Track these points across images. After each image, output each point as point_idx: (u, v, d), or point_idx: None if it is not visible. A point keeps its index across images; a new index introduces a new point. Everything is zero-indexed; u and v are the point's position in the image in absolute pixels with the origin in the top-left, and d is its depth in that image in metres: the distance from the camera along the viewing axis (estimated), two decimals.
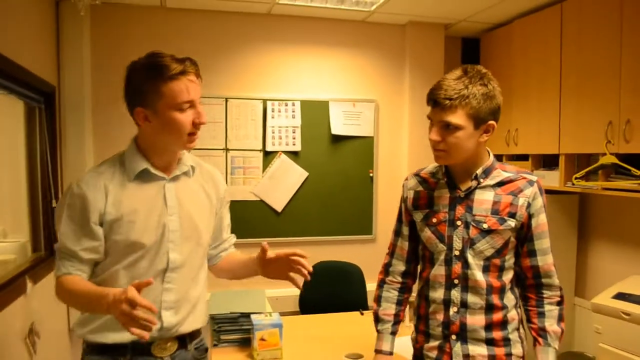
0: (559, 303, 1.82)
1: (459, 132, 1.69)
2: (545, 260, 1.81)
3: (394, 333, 2.02)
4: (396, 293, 2.03)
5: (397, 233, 2.07)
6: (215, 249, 2.01)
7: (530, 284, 1.84)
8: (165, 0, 3.63)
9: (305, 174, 4.06)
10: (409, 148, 4.21)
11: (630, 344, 2.60)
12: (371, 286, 3.67)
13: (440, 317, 1.84)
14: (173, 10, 3.80)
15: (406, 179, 2.05)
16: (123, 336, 1.65)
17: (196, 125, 1.69)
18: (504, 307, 1.79)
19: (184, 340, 1.81)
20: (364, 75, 4.20)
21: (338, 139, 4.12)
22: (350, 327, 2.97)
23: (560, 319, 1.81)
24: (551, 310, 1.81)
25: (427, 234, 1.88)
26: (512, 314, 1.82)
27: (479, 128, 1.71)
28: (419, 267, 2.01)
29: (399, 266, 2.03)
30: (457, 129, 1.69)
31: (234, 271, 2.02)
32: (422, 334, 1.93)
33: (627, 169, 2.94)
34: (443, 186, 1.87)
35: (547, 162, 3.68)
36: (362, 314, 3.16)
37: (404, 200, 2.01)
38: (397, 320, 2.02)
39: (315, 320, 3.13)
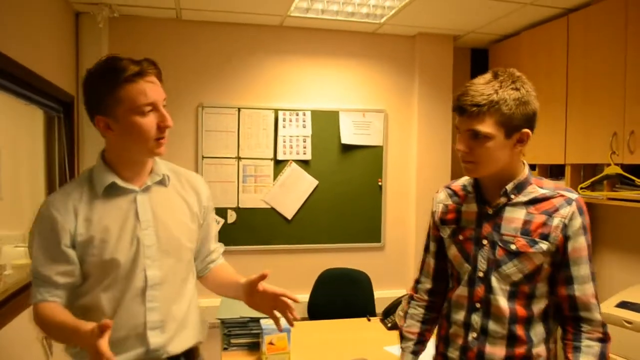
0: (601, 340, 1.56)
1: (489, 142, 1.52)
2: (584, 291, 1.56)
3: (415, 352, 1.86)
4: (422, 311, 1.89)
5: (426, 249, 1.93)
6: (202, 261, 1.88)
7: (567, 316, 1.60)
8: (180, 13, 3.73)
9: (315, 182, 4.13)
10: (418, 157, 4.26)
11: (633, 352, 2.63)
12: (379, 294, 3.75)
13: (459, 341, 1.69)
14: (188, 22, 3.90)
15: (437, 192, 1.91)
16: None
17: (161, 128, 1.57)
18: (529, 341, 1.60)
19: None
20: (373, 85, 4.27)
21: (348, 149, 4.19)
22: (357, 333, 3.02)
23: (602, 358, 1.55)
24: (590, 346, 1.55)
25: (453, 251, 1.74)
26: (539, 350, 1.61)
27: (511, 137, 1.53)
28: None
29: (427, 284, 1.89)
30: (486, 139, 1.52)
31: (220, 287, 1.89)
32: (440, 355, 1.79)
33: (631, 179, 2.98)
34: (472, 200, 1.72)
35: (554, 172, 3.72)
36: (369, 320, 3.22)
37: (432, 214, 1.88)
38: (421, 339, 1.88)
39: (323, 325, 3.19)
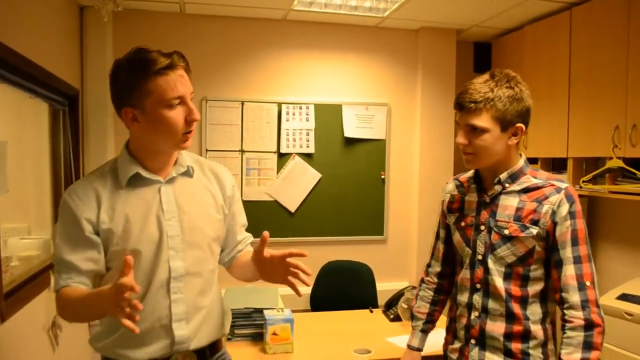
0: (585, 328, 1.60)
1: (485, 135, 1.70)
2: (565, 272, 1.66)
3: (424, 331, 2.07)
4: (431, 293, 2.08)
5: (437, 235, 2.11)
6: (229, 252, 1.87)
7: (558, 300, 1.70)
8: (184, 6, 3.75)
9: (318, 175, 4.15)
10: (420, 151, 4.28)
11: (633, 344, 2.65)
12: (381, 286, 3.77)
13: (464, 320, 1.85)
14: (192, 16, 3.92)
15: (446, 183, 2.06)
16: (137, 353, 1.59)
17: (189, 122, 1.56)
18: (525, 319, 1.73)
19: (202, 353, 1.70)
20: (376, 79, 4.28)
21: (351, 142, 4.20)
22: (360, 324, 3.04)
23: (587, 347, 1.59)
24: (570, 337, 1.62)
25: (457, 237, 1.91)
26: (536, 329, 1.73)
27: (506, 131, 1.71)
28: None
29: (436, 267, 2.09)
30: (483, 132, 1.70)
31: (242, 272, 1.87)
32: (450, 334, 1.96)
33: (633, 172, 2.99)
34: (473, 190, 1.88)
35: (556, 165, 3.73)
36: (371, 311, 3.24)
37: (442, 203, 2.04)
38: (430, 319, 2.08)
39: (326, 317, 3.21)
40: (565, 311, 1.65)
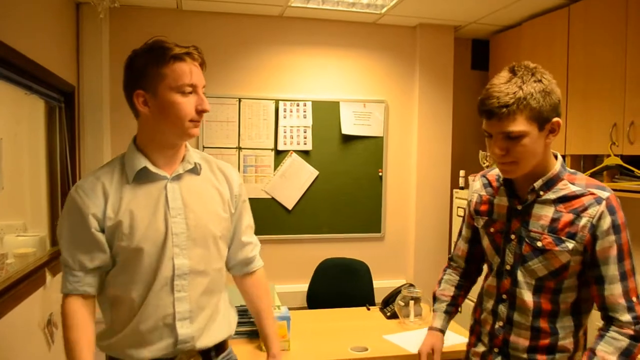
0: (632, 337, 1.50)
1: (524, 140, 1.49)
2: (612, 291, 1.52)
3: (447, 313, 1.94)
4: (457, 277, 1.97)
5: (459, 233, 1.98)
6: (235, 255, 1.84)
7: (601, 313, 1.59)
8: (181, 3, 3.73)
9: (315, 172, 4.14)
10: (418, 148, 4.27)
11: None
12: (378, 284, 3.77)
13: (487, 327, 1.76)
14: (188, 12, 3.90)
15: (473, 180, 1.91)
16: (141, 353, 1.59)
17: (199, 112, 1.58)
18: (553, 333, 1.62)
19: (208, 354, 1.69)
20: (374, 76, 4.27)
21: (348, 139, 4.19)
22: (357, 321, 3.04)
23: (626, 354, 1.50)
24: (615, 338, 1.52)
25: (486, 242, 1.78)
26: (566, 342, 1.62)
27: (544, 129, 1.51)
28: (484, 270, 1.93)
29: (460, 263, 1.99)
30: (521, 137, 1.49)
31: (252, 312, 1.94)
32: (474, 336, 1.86)
33: (631, 170, 2.99)
34: (503, 194, 1.71)
35: None
36: (368, 309, 3.24)
37: (468, 203, 1.90)
38: (454, 303, 1.96)
39: (323, 314, 3.21)
40: (614, 323, 1.54)
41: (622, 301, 1.52)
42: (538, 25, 3.76)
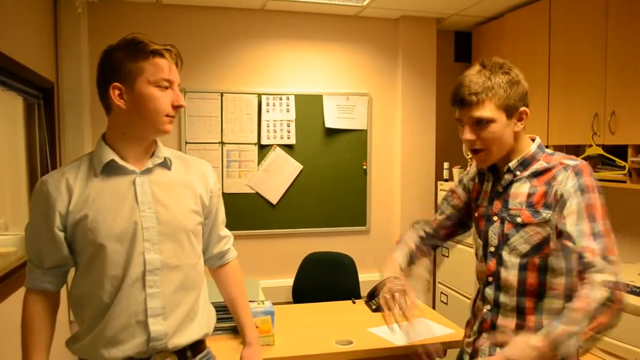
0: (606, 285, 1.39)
1: (493, 126, 1.60)
2: (581, 242, 1.46)
3: (406, 253, 1.96)
4: (422, 233, 2.00)
5: (436, 209, 2.01)
6: (212, 248, 1.86)
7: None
8: None
9: (299, 166, 4.13)
10: (402, 141, 4.27)
11: (620, 333, 2.66)
12: (364, 277, 3.76)
13: (479, 314, 1.78)
14: (168, 6, 3.86)
15: (470, 165, 1.93)
16: (112, 352, 1.55)
17: (175, 107, 1.58)
18: (539, 313, 1.62)
19: (183, 354, 1.65)
20: (357, 69, 4.26)
21: (332, 132, 4.18)
22: (342, 315, 3.03)
23: (600, 313, 1.38)
24: (589, 291, 1.40)
25: (473, 228, 1.86)
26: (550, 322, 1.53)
27: (512, 117, 1.62)
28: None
29: (427, 228, 2.01)
30: (489, 123, 1.60)
31: (226, 301, 1.96)
32: (468, 328, 1.87)
33: (612, 160, 3.01)
34: (489, 179, 1.79)
35: None
36: (354, 302, 3.23)
37: (462, 184, 1.94)
38: (413, 250, 1.96)
39: (307, 308, 3.20)
40: (585, 276, 1.42)
41: (589, 254, 1.44)
42: (520, 17, 3.77)
